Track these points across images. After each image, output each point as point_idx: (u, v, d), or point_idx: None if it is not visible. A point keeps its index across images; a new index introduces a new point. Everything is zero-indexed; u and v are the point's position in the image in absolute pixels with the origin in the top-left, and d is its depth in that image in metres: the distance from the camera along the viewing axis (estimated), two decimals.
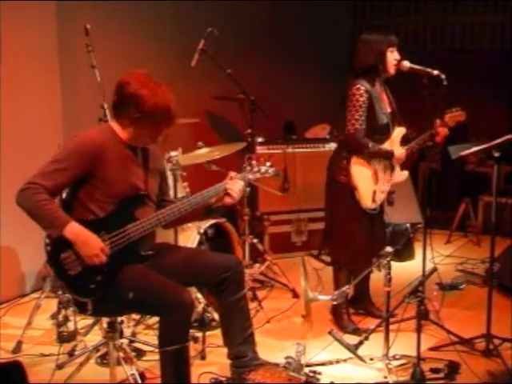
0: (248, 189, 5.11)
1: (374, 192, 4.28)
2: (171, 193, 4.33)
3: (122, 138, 3.29)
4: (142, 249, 3.30)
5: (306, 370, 3.66)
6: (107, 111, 4.18)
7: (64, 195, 3.36)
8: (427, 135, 4.22)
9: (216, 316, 4.20)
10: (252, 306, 4.60)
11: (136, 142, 3.32)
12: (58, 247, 3.15)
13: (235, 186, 3.41)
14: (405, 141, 4.36)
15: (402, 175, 4.45)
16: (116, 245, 3.20)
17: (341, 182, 4.25)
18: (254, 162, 3.63)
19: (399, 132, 4.37)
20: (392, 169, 4.37)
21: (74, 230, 3.12)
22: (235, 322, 3.53)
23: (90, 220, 3.20)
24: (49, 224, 3.11)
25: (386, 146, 4.30)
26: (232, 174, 3.46)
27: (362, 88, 4.14)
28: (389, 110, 4.33)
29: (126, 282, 3.19)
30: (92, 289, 3.18)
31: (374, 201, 4.28)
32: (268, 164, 3.65)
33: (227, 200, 3.43)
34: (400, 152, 4.29)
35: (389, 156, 4.27)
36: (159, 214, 3.31)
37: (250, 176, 3.59)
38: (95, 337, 4.07)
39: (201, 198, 3.37)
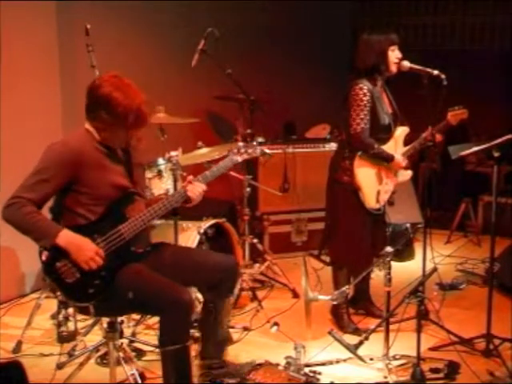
0: (248, 189, 5.12)
1: (378, 192, 4.28)
2: (171, 193, 4.33)
3: (98, 139, 3.27)
4: (137, 246, 3.31)
5: (306, 369, 3.66)
6: None
7: (52, 203, 3.32)
8: (428, 134, 4.22)
9: None
10: (252, 305, 4.61)
11: (111, 144, 3.30)
12: (53, 257, 3.14)
13: (195, 189, 3.39)
14: (406, 141, 4.37)
15: (405, 175, 4.46)
16: (111, 246, 3.20)
17: (343, 183, 4.24)
18: (240, 144, 3.64)
19: (402, 131, 4.37)
20: None
21: (67, 237, 3.11)
22: (215, 323, 3.51)
23: (82, 225, 3.20)
24: (40, 235, 3.11)
25: (390, 145, 4.30)
26: (189, 177, 3.45)
27: (365, 88, 4.14)
28: (390, 110, 4.34)
29: (125, 282, 3.19)
30: (91, 293, 3.18)
31: (378, 201, 4.28)
32: (254, 143, 3.65)
33: (187, 204, 3.44)
34: (399, 159, 4.28)
35: (389, 159, 4.26)
36: (150, 209, 3.30)
37: (238, 158, 3.60)
38: (95, 337, 4.07)
39: (178, 195, 3.40)
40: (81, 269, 3.15)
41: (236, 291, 3.58)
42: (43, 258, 3.16)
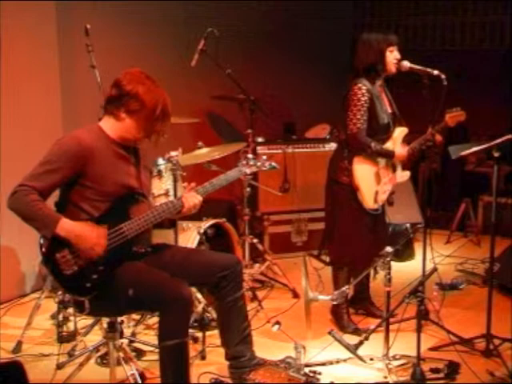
0: (248, 189, 5.12)
1: (377, 192, 4.28)
2: (171, 193, 4.34)
3: (111, 138, 3.29)
4: (137, 246, 3.31)
5: (306, 370, 3.66)
6: None
7: (56, 199, 3.32)
8: (428, 134, 4.22)
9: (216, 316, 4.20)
10: (252, 306, 4.61)
11: (129, 137, 3.30)
12: (53, 248, 3.14)
13: (190, 199, 3.40)
14: (406, 141, 4.37)
15: (404, 175, 4.46)
16: (112, 243, 3.20)
17: (342, 183, 4.24)
18: (249, 156, 3.66)
19: (401, 132, 4.37)
20: (394, 169, 4.38)
21: (67, 226, 3.11)
22: (233, 322, 3.54)
23: (85, 220, 3.19)
24: (41, 225, 3.11)
25: (388, 145, 4.30)
26: (192, 184, 3.47)
27: (364, 87, 4.14)
28: (389, 109, 4.34)
29: (124, 279, 3.20)
30: (88, 287, 3.18)
31: (376, 201, 4.28)
32: (264, 158, 3.68)
33: (182, 210, 3.42)
34: (401, 151, 4.29)
35: (390, 155, 4.27)
36: (154, 210, 3.31)
37: (247, 170, 3.63)
38: (95, 337, 4.06)
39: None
40: (80, 261, 3.15)
41: (243, 290, 3.57)
42: (43, 249, 3.15)
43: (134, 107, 3.23)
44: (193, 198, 3.40)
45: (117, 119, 3.28)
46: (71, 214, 3.20)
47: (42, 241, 3.16)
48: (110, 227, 3.22)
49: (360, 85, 4.15)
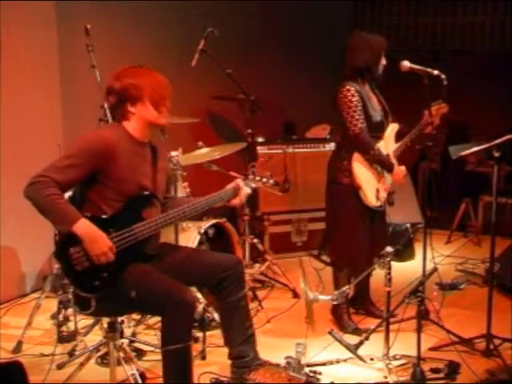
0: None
1: (378, 190, 4.29)
2: (171, 193, 4.34)
3: (134, 137, 3.29)
4: (147, 248, 3.32)
5: (306, 369, 3.66)
6: (107, 111, 4.18)
7: (72, 191, 3.31)
8: (420, 126, 4.23)
9: (216, 316, 4.20)
10: (252, 306, 4.60)
11: (152, 124, 3.31)
12: (68, 241, 3.13)
13: (243, 192, 3.54)
14: (399, 136, 4.38)
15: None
16: (123, 243, 3.21)
17: (343, 184, 4.24)
18: (256, 171, 3.76)
19: (392, 128, 4.39)
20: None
21: (84, 226, 3.11)
22: (236, 322, 3.54)
23: (98, 217, 3.19)
24: (58, 219, 3.10)
25: (382, 144, 4.30)
26: (240, 178, 3.60)
27: (352, 89, 4.15)
28: (379, 107, 4.34)
29: (129, 281, 3.20)
30: (96, 285, 3.18)
31: (378, 198, 4.29)
32: (268, 174, 3.80)
33: (234, 202, 3.55)
34: (399, 169, 4.30)
35: (389, 168, 4.28)
36: (165, 215, 3.33)
37: (253, 184, 3.72)
38: (95, 337, 4.06)
39: (205, 203, 3.44)
40: (91, 259, 3.15)
41: (245, 290, 3.58)
42: (57, 238, 3.15)
43: (134, 95, 3.24)
44: (244, 191, 3.56)
45: (129, 118, 3.28)
46: (86, 209, 3.20)
47: (57, 232, 3.15)
48: (123, 227, 3.22)
49: (348, 86, 4.16)
